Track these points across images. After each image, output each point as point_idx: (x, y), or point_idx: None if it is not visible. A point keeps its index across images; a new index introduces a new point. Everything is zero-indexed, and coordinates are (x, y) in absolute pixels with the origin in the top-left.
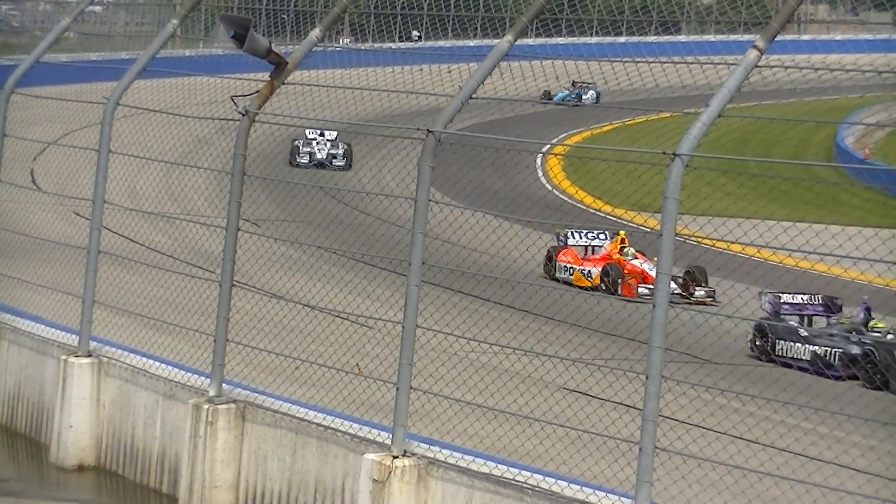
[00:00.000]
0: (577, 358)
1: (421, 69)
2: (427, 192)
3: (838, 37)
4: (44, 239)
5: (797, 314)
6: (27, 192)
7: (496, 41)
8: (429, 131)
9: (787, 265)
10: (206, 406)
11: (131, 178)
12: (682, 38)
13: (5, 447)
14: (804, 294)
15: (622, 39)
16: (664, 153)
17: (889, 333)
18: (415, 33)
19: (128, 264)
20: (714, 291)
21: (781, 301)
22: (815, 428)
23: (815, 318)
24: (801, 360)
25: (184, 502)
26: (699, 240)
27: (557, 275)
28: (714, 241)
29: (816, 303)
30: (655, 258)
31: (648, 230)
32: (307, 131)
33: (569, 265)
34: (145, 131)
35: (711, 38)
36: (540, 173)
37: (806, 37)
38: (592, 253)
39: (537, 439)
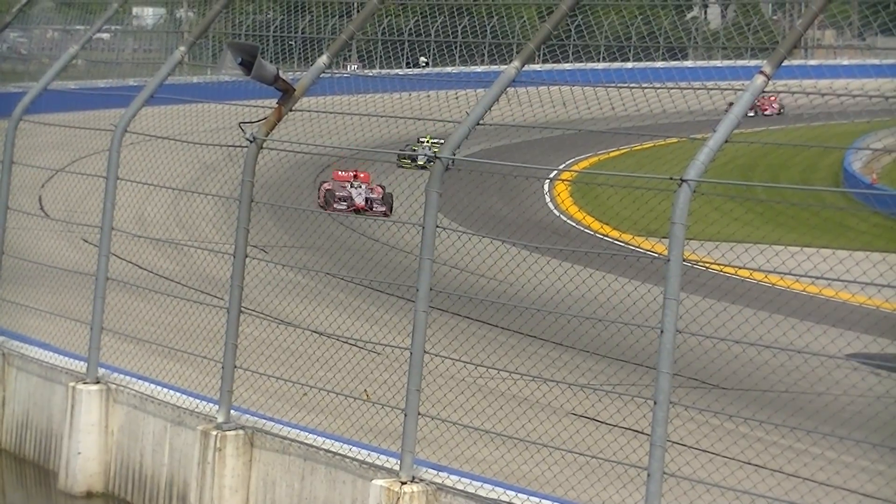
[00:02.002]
0: (586, 383)
1: (428, 95)
2: (435, 217)
3: (845, 62)
4: (52, 266)
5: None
6: (35, 219)
7: (503, 67)
8: (437, 157)
9: (795, 290)
10: (214, 432)
11: (139, 204)
12: (689, 63)
13: (14, 474)
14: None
15: (629, 65)
16: (671, 179)
17: None
18: (422, 59)
19: (136, 291)
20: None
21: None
22: (824, 453)
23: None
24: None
25: None
26: (707, 265)
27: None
28: (722, 267)
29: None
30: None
31: (656, 255)
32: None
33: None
34: (153, 158)
35: (718, 63)
36: (547, 199)
37: (813, 62)
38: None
39: (545, 465)
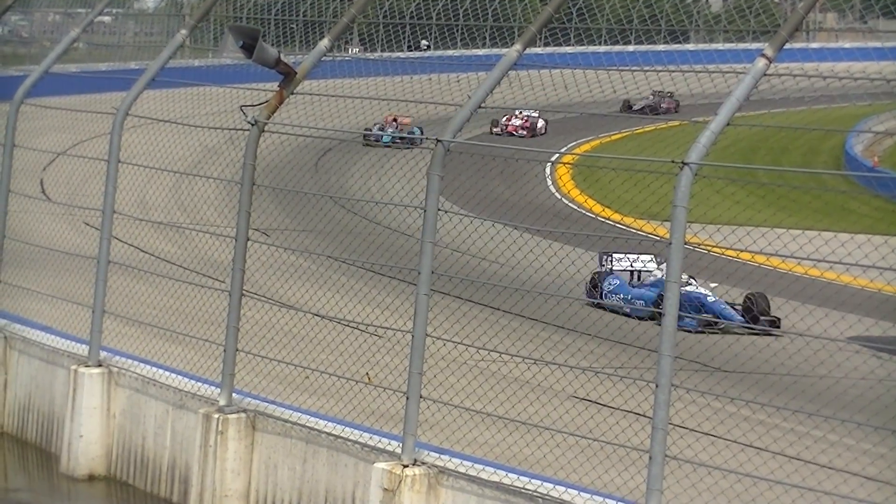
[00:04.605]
0: (587, 367)
1: (430, 78)
2: (436, 201)
3: (847, 45)
4: (54, 249)
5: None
6: (37, 203)
7: (505, 50)
8: (438, 140)
9: (797, 273)
10: (216, 416)
11: (141, 188)
12: (690, 46)
13: (16, 457)
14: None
15: (631, 48)
16: (673, 162)
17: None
18: (423, 42)
19: (138, 274)
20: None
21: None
22: (826, 436)
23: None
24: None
25: None
26: (708, 248)
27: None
28: (723, 250)
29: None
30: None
31: (658, 239)
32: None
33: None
34: (155, 141)
35: (720, 46)
36: (549, 182)
37: (814, 45)
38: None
39: (547, 448)
